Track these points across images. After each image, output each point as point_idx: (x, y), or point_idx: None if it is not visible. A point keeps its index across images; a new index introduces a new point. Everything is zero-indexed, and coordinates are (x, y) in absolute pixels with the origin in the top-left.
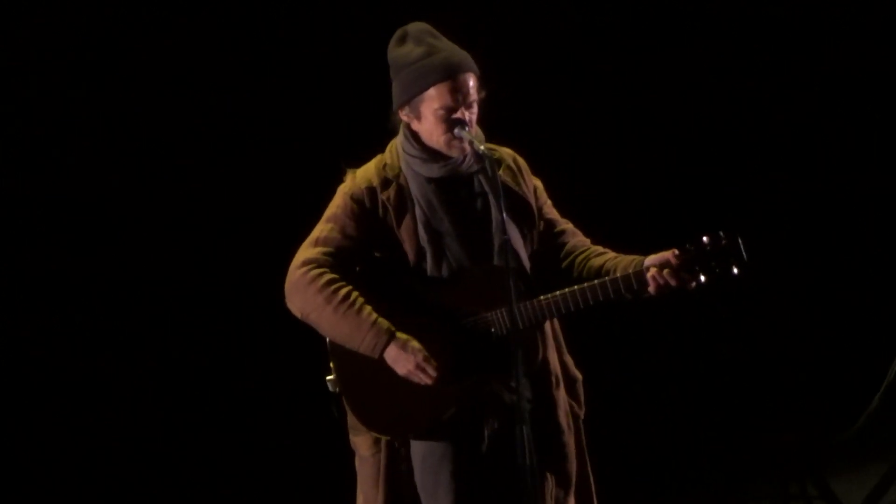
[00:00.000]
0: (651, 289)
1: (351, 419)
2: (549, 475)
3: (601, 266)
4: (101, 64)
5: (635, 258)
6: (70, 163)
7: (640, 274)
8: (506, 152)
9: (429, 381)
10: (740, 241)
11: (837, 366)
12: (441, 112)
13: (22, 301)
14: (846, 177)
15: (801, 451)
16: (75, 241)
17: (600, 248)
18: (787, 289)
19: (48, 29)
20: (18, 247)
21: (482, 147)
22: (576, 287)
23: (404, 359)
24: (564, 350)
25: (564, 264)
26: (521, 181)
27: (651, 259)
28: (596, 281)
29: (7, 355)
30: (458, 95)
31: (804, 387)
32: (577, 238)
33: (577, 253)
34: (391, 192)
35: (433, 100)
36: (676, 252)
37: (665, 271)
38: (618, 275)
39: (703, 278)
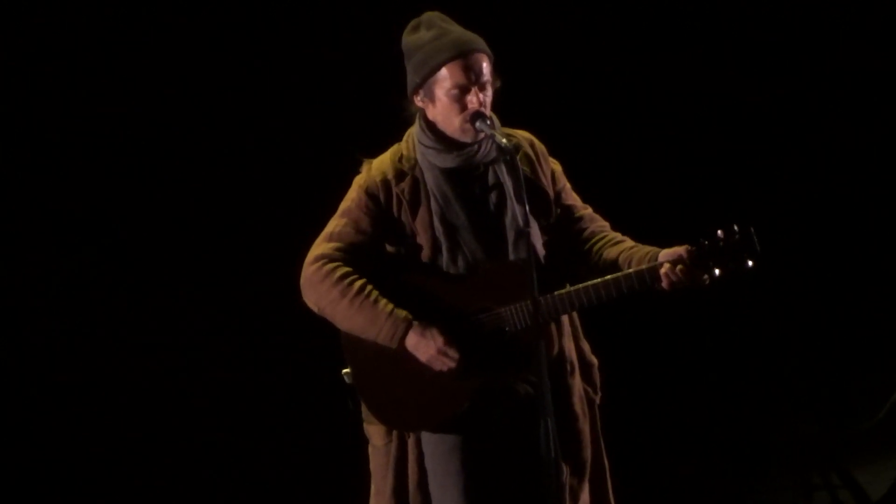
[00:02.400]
0: (664, 285)
1: (365, 409)
2: (564, 464)
3: (616, 257)
4: (103, 63)
5: (651, 250)
6: (90, 159)
7: (653, 270)
8: (522, 136)
9: (452, 365)
10: (754, 233)
11: (861, 356)
12: (454, 92)
13: (24, 302)
14: (867, 165)
15: (824, 440)
16: (89, 233)
17: (618, 236)
18: (812, 278)
19: (48, 29)
20: (19, 248)
21: (504, 140)
22: (589, 283)
23: (425, 345)
24: (581, 335)
25: (582, 250)
26: (539, 168)
27: (664, 254)
28: (609, 277)
29: (8, 358)
30: (470, 74)
31: (827, 376)
32: (595, 223)
33: (594, 240)
34: (406, 184)
35: (445, 79)
36: (689, 248)
37: (678, 268)
38: (631, 270)
39: (717, 272)
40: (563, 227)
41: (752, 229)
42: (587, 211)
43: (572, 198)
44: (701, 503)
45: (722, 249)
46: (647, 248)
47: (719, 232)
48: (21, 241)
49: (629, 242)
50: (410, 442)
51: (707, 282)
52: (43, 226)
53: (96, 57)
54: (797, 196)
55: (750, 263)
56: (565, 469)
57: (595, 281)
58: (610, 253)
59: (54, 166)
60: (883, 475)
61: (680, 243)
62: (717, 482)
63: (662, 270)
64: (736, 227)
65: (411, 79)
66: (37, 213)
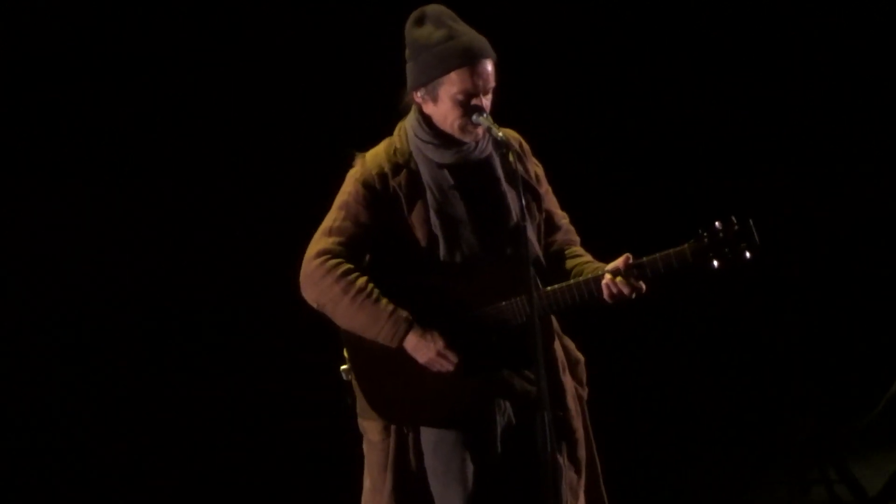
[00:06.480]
0: (605, 296)
1: (361, 403)
2: (563, 460)
3: (570, 269)
4: (101, 63)
5: (599, 265)
6: (76, 164)
7: (597, 280)
8: (511, 135)
9: (450, 368)
10: (753, 225)
11: (858, 351)
12: (460, 97)
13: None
14: (863, 165)
15: (821, 435)
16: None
17: (580, 250)
18: (808, 273)
19: (49, 28)
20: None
21: (500, 134)
22: (577, 280)
23: (424, 347)
24: (561, 333)
25: (546, 258)
26: (528, 167)
27: (608, 267)
28: (564, 283)
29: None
30: (479, 81)
31: (824, 371)
32: (567, 236)
33: (558, 252)
34: (402, 177)
35: (453, 84)
36: (628, 259)
37: (617, 279)
38: (578, 279)
39: (715, 263)
40: (540, 231)
41: (752, 221)
42: (564, 221)
43: (553, 203)
44: (697, 499)
45: (721, 241)
46: (597, 264)
47: (717, 224)
48: (19, 241)
49: (587, 257)
50: (410, 439)
51: (642, 292)
52: (38, 226)
53: (94, 57)
54: (793, 196)
55: (748, 255)
56: (565, 465)
57: (577, 280)
58: (565, 265)
59: (49, 167)
60: (880, 470)
61: (679, 237)
62: (714, 478)
63: (604, 281)
64: (734, 220)
65: (416, 76)
66: (33, 213)
